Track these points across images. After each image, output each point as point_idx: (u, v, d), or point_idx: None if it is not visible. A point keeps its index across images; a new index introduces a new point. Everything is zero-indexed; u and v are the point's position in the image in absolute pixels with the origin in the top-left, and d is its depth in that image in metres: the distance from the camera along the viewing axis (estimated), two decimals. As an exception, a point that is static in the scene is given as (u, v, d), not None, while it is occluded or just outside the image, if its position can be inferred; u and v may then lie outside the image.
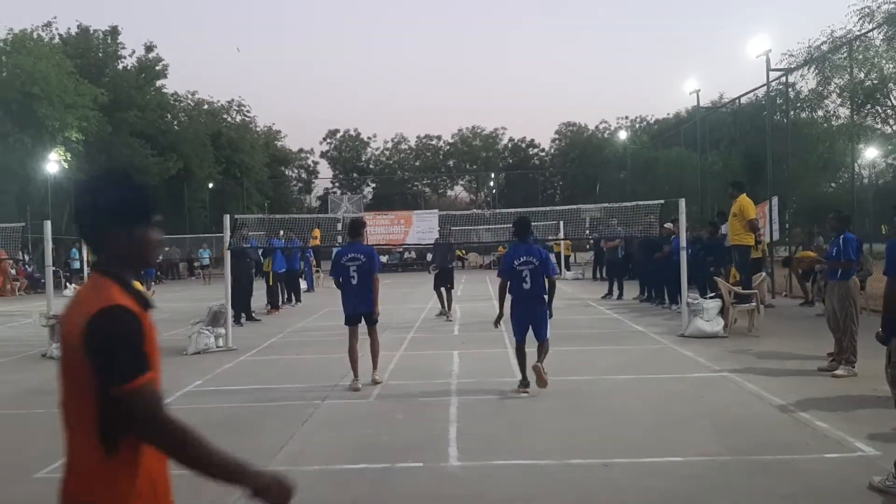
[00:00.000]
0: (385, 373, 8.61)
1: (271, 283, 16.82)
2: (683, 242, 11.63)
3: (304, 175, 72.71)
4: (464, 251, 35.26)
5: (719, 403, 7.01)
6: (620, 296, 17.67)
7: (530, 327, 7.62)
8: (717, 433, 5.98)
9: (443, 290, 14.62)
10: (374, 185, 69.19)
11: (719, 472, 5.06)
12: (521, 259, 7.52)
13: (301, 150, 72.18)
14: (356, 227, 8.46)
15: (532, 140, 73.75)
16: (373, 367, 8.23)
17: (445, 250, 15.23)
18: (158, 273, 33.63)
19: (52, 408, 7.75)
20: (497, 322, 7.95)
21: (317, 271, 25.64)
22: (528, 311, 7.58)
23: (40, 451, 6.00)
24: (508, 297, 7.71)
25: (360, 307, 8.09)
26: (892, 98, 20.93)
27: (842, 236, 8.39)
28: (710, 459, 5.30)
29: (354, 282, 8.03)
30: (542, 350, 7.60)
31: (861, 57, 19.07)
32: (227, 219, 12.27)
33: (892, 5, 19.56)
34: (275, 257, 16.69)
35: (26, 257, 32.32)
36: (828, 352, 8.61)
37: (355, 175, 70.27)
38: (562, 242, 24.97)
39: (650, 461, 5.35)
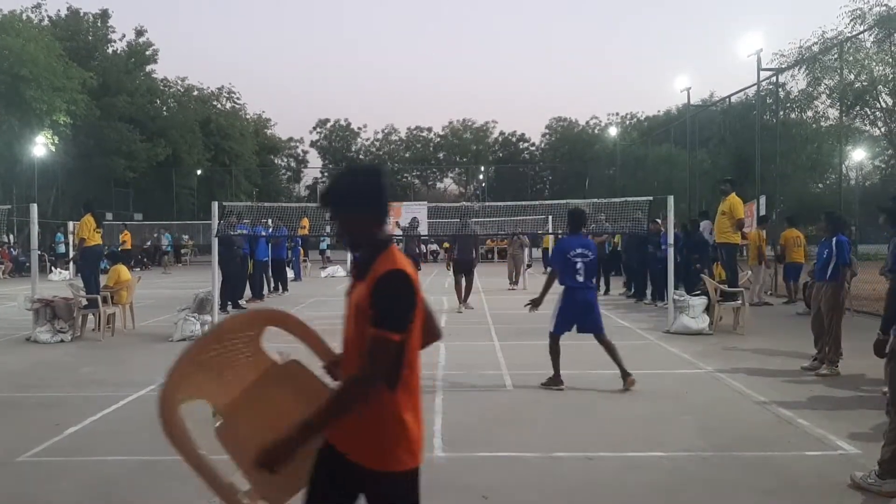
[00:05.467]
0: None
1: (251, 272, 16.68)
2: (671, 239, 11.69)
3: (293, 164, 72.50)
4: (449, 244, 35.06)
5: (703, 400, 7.07)
6: (607, 291, 17.75)
7: (575, 326, 7.52)
8: (700, 429, 6.03)
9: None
10: (363, 175, 68.94)
11: (701, 467, 5.11)
12: (577, 251, 7.39)
13: (291, 139, 72.01)
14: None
15: (522, 134, 73.77)
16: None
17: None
18: (145, 259, 33.46)
19: (35, 392, 7.64)
20: (532, 305, 7.61)
21: (304, 260, 25.58)
22: (580, 304, 7.43)
23: (23, 434, 5.97)
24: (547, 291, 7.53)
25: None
26: (881, 100, 21.10)
27: (834, 239, 8.23)
28: (692, 454, 5.34)
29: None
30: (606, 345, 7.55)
31: (851, 59, 19.20)
32: (215, 206, 12.22)
33: (884, 8, 19.71)
34: (257, 245, 16.38)
35: (11, 240, 32.10)
36: (813, 354, 8.57)
37: (345, 165, 70.06)
38: (550, 237, 24.96)
39: (633, 455, 5.39)
